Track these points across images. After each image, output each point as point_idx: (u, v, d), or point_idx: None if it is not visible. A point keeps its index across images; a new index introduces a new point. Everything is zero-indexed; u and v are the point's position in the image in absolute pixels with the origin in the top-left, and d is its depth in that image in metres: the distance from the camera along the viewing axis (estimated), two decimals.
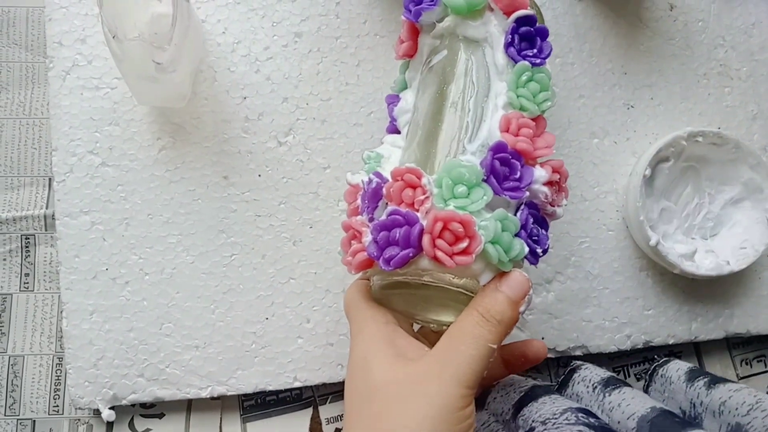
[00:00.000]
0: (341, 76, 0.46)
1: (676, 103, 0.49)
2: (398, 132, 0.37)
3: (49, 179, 0.47)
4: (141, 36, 0.37)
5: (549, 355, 0.46)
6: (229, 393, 0.44)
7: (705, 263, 0.45)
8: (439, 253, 0.30)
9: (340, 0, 0.47)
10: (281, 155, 0.45)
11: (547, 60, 0.34)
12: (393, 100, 0.39)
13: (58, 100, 0.44)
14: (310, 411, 0.46)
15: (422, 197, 0.31)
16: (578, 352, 0.46)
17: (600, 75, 0.48)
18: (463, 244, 0.30)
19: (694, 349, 0.49)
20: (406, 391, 0.29)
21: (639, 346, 0.47)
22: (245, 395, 0.45)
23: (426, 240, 0.30)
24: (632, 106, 0.48)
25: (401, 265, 0.30)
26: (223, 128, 0.45)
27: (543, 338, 0.46)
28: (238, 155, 0.45)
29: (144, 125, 0.45)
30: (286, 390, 0.46)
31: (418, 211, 0.31)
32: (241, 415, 0.46)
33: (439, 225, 0.30)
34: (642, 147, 0.48)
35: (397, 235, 0.30)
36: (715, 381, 0.38)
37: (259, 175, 0.45)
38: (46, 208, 0.47)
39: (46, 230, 0.47)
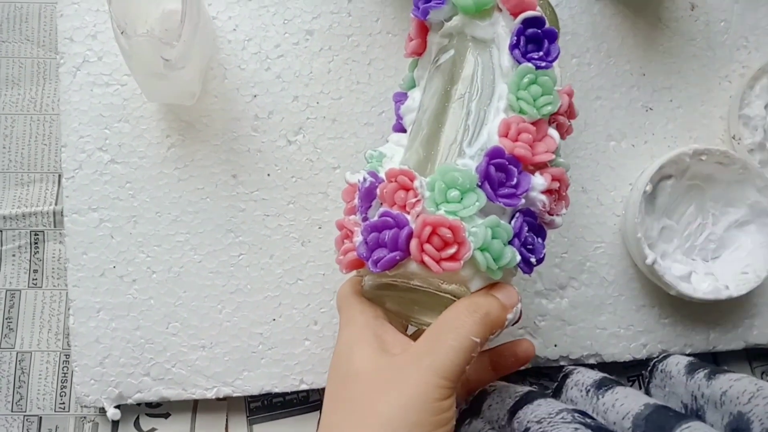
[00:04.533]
0: (352, 74, 0.45)
1: (696, 105, 0.47)
2: (404, 130, 0.37)
3: (59, 175, 0.47)
4: (150, 32, 0.36)
5: (561, 363, 0.45)
6: (234, 394, 0.43)
7: (702, 286, 0.43)
8: (427, 258, 0.29)
9: None
10: (291, 154, 0.45)
11: (554, 63, 0.33)
12: (400, 98, 0.38)
13: (68, 96, 0.44)
14: (317, 415, 0.45)
15: (413, 200, 0.30)
16: (592, 360, 0.45)
17: (618, 76, 0.47)
18: (452, 250, 0.29)
19: (712, 360, 0.48)
20: (384, 379, 0.29)
21: (655, 356, 0.45)
22: (251, 397, 0.45)
23: (414, 244, 0.30)
24: (651, 109, 0.47)
25: (388, 267, 0.30)
26: (233, 126, 0.45)
27: (556, 345, 0.45)
28: (248, 154, 0.45)
29: (153, 122, 0.44)
30: (293, 392, 0.45)
31: (409, 213, 0.30)
32: (247, 417, 0.45)
33: (428, 229, 0.29)
34: (660, 150, 0.46)
35: (386, 237, 0.30)
36: (715, 372, 0.37)
37: (269, 175, 0.45)
38: (56, 204, 0.47)
39: (55, 227, 0.47)
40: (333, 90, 0.45)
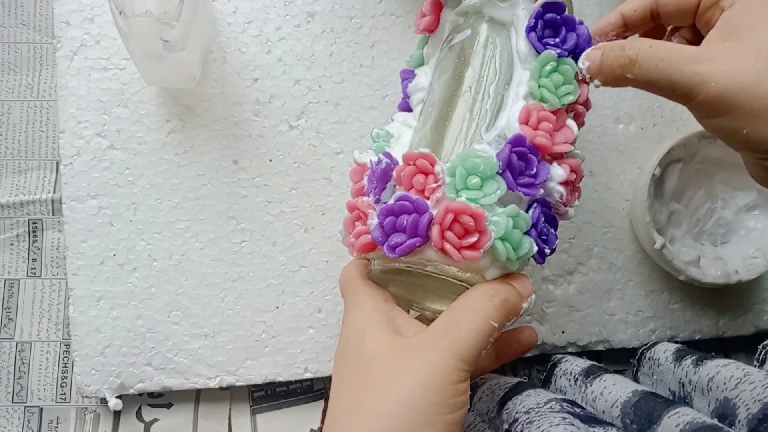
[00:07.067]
0: (355, 57, 0.45)
1: None
2: (410, 109, 0.36)
3: (57, 163, 0.46)
4: (148, 12, 0.35)
5: (569, 350, 0.44)
6: (238, 383, 0.43)
7: (712, 271, 0.42)
8: (447, 246, 0.29)
9: None
10: (293, 139, 0.44)
11: (569, 52, 0.32)
12: (408, 75, 0.37)
13: (65, 81, 0.43)
14: (321, 403, 0.45)
15: (434, 185, 0.30)
16: (600, 347, 0.44)
17: None
18: (473, 239, 0.29)
19: (721, 346, 0.47)
20: (400, 359, 0.28)
21: (664, 342, 0.45)
22: (255, 386, 0.44)
23: (435, 231, 0.29)
24: None
25: (406, 253, 0.30)
26: (234, 111, 0.44)
27: (563, 332, 0.44)
28: (249, 139, 0.44)
29: (152, 107, 0.43)
30: (297, 381, 0.44)
31: (428, 199, 0.30)
32: (250, 407, 0.44)
33: (450, 216, 0.29)
34: (669, 133, 0.46)
35: (405, 222, 0.29)
36: (703, 358, 0.37)
37: (270, 160, 0.44)
38: (54, 192, 0.46)
39: (53, 215, 0.46)
40: (335, 73, 0.44)
